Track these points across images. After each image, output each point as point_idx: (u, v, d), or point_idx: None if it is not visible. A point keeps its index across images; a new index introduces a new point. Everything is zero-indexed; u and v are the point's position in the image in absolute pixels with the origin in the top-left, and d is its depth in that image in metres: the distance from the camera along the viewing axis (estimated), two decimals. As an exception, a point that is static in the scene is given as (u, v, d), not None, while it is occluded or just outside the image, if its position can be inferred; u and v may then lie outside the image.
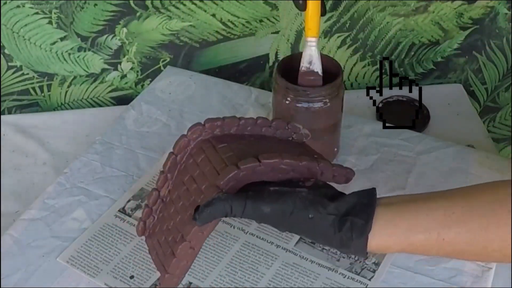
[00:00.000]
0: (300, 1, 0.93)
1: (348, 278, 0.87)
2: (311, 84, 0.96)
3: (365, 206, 0.72)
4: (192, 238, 0.76)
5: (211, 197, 0.73)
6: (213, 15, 1.25)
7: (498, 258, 0.74)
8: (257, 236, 0.93)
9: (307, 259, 0.90)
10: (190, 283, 0.87)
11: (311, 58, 0.96)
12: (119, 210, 0.98)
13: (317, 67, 0.97)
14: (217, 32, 1.28)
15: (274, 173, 0.77)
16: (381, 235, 0.71)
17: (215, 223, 0.76)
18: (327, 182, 0.79)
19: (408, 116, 1.21)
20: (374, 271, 0.87)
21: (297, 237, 0.92)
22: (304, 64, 0.97)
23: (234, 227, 0.94)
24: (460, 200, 0.72)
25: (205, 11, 1.24)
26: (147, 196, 0.85)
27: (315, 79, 0.97)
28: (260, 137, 0.85)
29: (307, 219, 0.72)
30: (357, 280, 0.87)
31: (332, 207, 0.72)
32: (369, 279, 0.87)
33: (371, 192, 0.74)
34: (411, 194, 0.76)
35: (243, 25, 1.27)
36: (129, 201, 0.99)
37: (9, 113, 1.31)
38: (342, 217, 0.71)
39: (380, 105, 1.24)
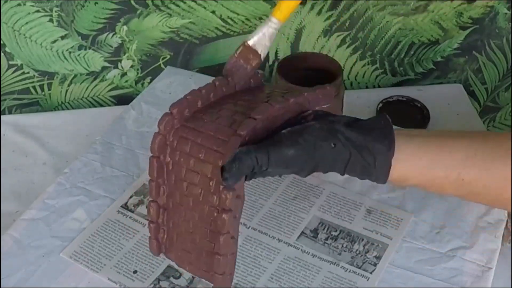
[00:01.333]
0: None
1: (349, 271, 0.87)
2: (245, 61, 0.81)
3: (383, 130, 0.71)
4: (229, 228, 0.71)
5: (232, 153, 0.68)
6: (213, 12, 1.25)
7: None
8: (259, 231, 0.93)
9: (309, 253, 0.90)
10: (193, 277, 0.87)
11: (262, 38, 0.82)
12: (121, 206, 0.98)
13: (260, 49, 0.82)
14: (216, 28, 1.28)
15: (270, 124, 0.74)
16: (403, 166, 0.71)
17: (241, 205, 0.73)
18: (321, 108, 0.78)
19: (408, 116, 1.21)
20: (375, 265, 0.88)
21: (298, 231, 0.93)
22: (251, 38, 0.82)
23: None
24: (484, 144, 0.71)
25: (205, 8, 1.24)
26: (147, 211, 0.79)
27: (252, 58, 0.82)
28: (227, 98, 0.80)
29: (330, 149, 0.70)
30: (358, 273, 0.87)
31: (351, 133, 0.70)
32: (371, 273, 0.87)
33: (385, 117, 0.73)
34: (432, 130, 0.75)
35: (243, 22, 1.27)
36: (131, 197, 1.00)
37: (10, 112, 1.31)
38: (362, 143, 0.70)
39: (380, 105, 1.24)
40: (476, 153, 0.70)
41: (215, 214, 0.72)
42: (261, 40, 0.81)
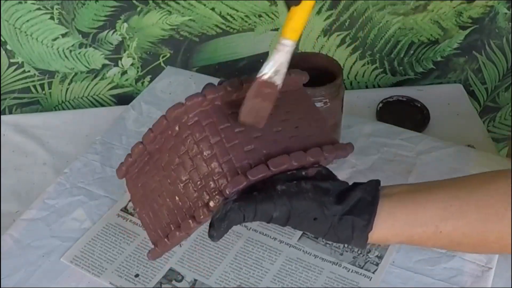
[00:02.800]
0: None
1: (351, 271, 0.87)
2: (263, 100, 0.73)
3: (368, 204, 0.72)
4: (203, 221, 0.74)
5: (223, 209, 0.70)
6: (213, 9, 1.25)
7: (496, 250, 0.74)
8: (260, 232, 0.93)
9: (311, 253, 0.90)
10: (196, 280, 0.87)
11: (280, 67, 0.73)
12: (121, 209, 0.98)
13: (280, 79, 0.73)
14: (216, 26, 1.28)
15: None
16: (381, 228, 0.72)
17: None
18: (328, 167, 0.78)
19: (408, 116, 1.21)
20: (377, 264, 0.88)
21: (300, 232, 0.93)
22: (267, 71, 0.72)
23: (236, 224, 0.94)
24: (459, 192, 0.72)
25: (205, 5, 1.25)
26: (131, 149, 0.82)
27: (271, 93, 0.73)
28: None
29: (311, 220, 0.72)
30: (360, 273, 0.87)
31: (336, 208, 0.72)
32: (373, 272, 0.87)
33: (375, 187, 0.74)
34: (412, 184, 0.76)
35: (242, 19, 1.27)
36: (130, 200, 0.99)
37: (10, 111, 1.31)
38: (344, 216, 0.72)
39: (380, 105, 1.24)
40: (452, 203, 0.71)
41: (200, 204, 0.74)
42: (279, 69, 0.73)
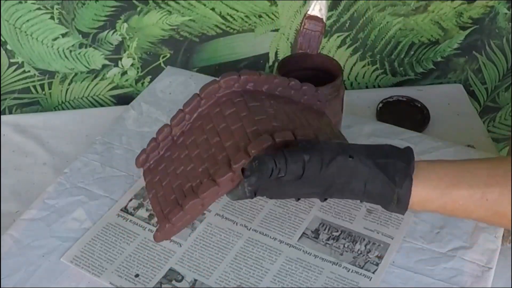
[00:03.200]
0: None
1: (351, 271, 0.87)
2: (313, 29, 0.91)
3: (402, 151, 0.71)
4: (206, 196, 0.75)
5: (253, 160, 0.71)
6: (213, 9, 1.25)
7: None
8: (260, 232, 0.93)
9: (311, 253, 0.90)
10: (196, 280, 0.87)
11: (321, 5, 0.90)
12: (121, 209, 0.98)
13: (323, 15, 0.91)
14: (216, 26, 1.28)
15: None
16: (424, 186, 0.70)
17: (227, 189, 0.76)
18: None
19: (408, 116, 1.21)
20: (377, 264, 0.88)
21: (300, 232, 0.93)
22: (312, 8, 0.90)
23: (237, 224, 0.94)
24: (502, 163, 0.71)
25: (205, 5, 1.25)
26: (158, 130, 0.84)
27: (319, 25, 0.91)
28: (289, 101, 0.84)
29: (347, 162, 0.70)
30: (360, 273, 0.87)
31: (369, 151, 0.70)
32: (373, 272, 0.87)
33: (399, 148, 0.73)
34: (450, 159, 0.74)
35: (242, 19, 1.27)
36: (131, 200, 0.99)
37: (10, 111, 1.31)
38: (381, 160, 0.70)
39: (380, 105, 1.24)
40: (497, 172, 0.70)
41: (204, 180, 0.76)
42: (321, 8, 0.88)
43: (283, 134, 0.75)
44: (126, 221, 0.96)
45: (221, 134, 0.78)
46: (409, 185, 0.70)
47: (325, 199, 0.76)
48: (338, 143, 0.73)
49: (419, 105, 1.25)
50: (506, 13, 1.29)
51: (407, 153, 0.71)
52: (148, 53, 1.30)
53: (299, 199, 0.79)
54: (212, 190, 0.75)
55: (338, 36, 1.30)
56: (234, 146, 0.76)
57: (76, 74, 1.30)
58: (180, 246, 0.92)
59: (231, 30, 1.29)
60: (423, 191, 0.70)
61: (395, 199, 0.71)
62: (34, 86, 1.30)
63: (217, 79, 0.81)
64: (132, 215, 0.97)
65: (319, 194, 0.74)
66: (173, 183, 0.79)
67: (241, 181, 0.74)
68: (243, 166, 0.73)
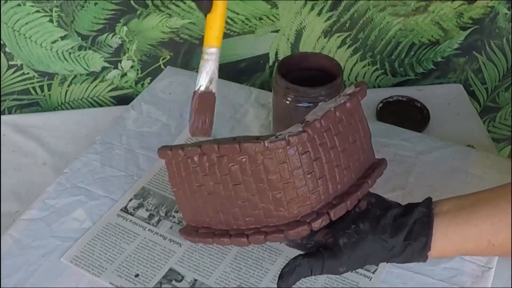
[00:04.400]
0: (204, 0, 0.77)
1: (351, 271, 0.87)
2: (206, 107, 0.79)
3: (423, 227, 0.74)
4: (269, 239, 0.76)
5: (292, 263, 0.74)
6: (213, 12, 1.25)
7: None
8: (260, 232, 0.93)
9: None
10: (196, 280, 0.87)
11: (212, 75, 0.78)
12: (121, 209, 0.98)
13: (214, 87, 0.79)
14: (217, 28, 1.28)
15: None
16: (436, 247, 0.74)
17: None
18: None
19: (408, 116, 1.21)
20: (377, 264, 0.87)
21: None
22: (202, 83, 0.78)
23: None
24: (505, 204, 0.73)
25: (205, 7, 1.24)
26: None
27: (210, 100, 0.79)
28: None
29: (374, 257, 0.76)
30: (360, 273, 0.87)
31: (395, 241, 0.74)
32: (373, 272, 0.87)
33: (429, 207, 0.76)
34: (460, 197, 0.77)
35: (243, 21, 1.27)
36: (131, 200, 0.99)
37: (9, 112, 1.31)
38: (402, 243, 0.74)
39: (380, 105, 1.24)
40: (500, 218, 0.72)
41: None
42: (212, 77, 0.77)
43: (339, 210, 0.75)
44: (126, 221, 0.96)
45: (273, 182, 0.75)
46: (424, 259, 0.75)
47: None
48: (373, 239, 0.75)
49: (419, 105, 1.25)
50: (506, 13, 1.29)
51: (427, 229, 0.75)
52: (148, 55, 1.29)
53: None
54: (277, 236, 0.75)
55: (338, 36, 1.30)
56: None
57: (75, 76, 1.30)
58: (180, 246, 0.92)
59: (232, 33, 1.29)
60: (435, 251, 0.75)
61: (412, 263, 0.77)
62: (34, 88, 1.30)
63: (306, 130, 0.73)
64: (132, 215, 0.97)
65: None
66: (204, 197, 0.79)
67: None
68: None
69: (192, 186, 0.81)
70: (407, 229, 0.74)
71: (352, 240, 0.75)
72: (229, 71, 1.33)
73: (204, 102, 0.78)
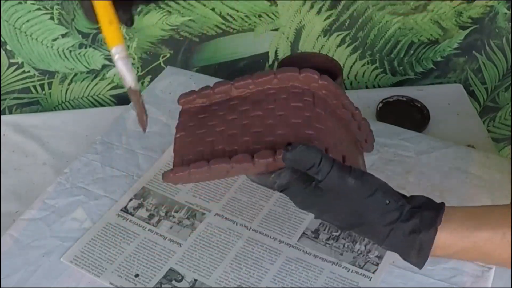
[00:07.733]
0: (88, 13, 0.76)
1: (351, 271, 0.87)
2: (135, 104, 0.79)
3: (434, 203, 0.72)
4: (236, 167, 0.74)
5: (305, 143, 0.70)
6: (212, 9, 1.25)
7: None
8: (260, 232, 0.93)
9: (311, 253, 0.90)
10: (196, 280, 0.87)
11: (126, 73, 0.76)
12: (121, 209, 0.98)
13: (134, 83, 0.77)
14: (216, 26, 1.28)
15: None
16: (447, 230, 0.70)
17: (257, 171, 0.75)
18: None
19: (408, 116, 1.21)
20: (377, 264, 0.88)
21: (300, 232, 0.93)
22: (130, 80, 0.76)
23: (237, 224, 0.94)
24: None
25: (204, 5, 1.25)
26: (218, 82, 0.82)
27: (138, 98, 0.79)
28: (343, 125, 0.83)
29: (382, 205, 0.70)
30: (360, 273, 0.87)
31: (406, 200, 0.71)
32: (373, 272, 0.87)
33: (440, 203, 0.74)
34: (466, 209, 0.75)
35: (242, 19, 1.27)
36: (131, 200, 0.99)
37: (10, 111, 1.31)
38: (412, 208, 0.70)
39: (380, 105, 1.24)
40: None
41: (241, 151, 0.75)
42: (127, 74, 0.76)
43: (335, 152, 0.74)
44: (126, 221, 0.96)
45: (278, 120, 0.76)
46: (432, 235, 0.70)
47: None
48: (383, 183, 0.72)
49: (419, 105, 1.25)
50: (506, 13, 1.29)
51: (439, 205, 0.72)
52: (148, 53, 1.30)
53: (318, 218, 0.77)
54: (245, 165, 0.73)
55: (337, 35, 1.30)
56: (286, 137, 0.74)
57: (76, 74, 1.30)
58: (180, 246, 0.92)
59: (231, 30, 1.29)
60: (445, 236, 0.71)
61: (417, 247, 0.71)
62: (34, 86, 1.30)
63: (297, 70, 0.78)
64: (132, 215, 0.97)
65: (343, 225, 0.73)
66: (206, 136, 0.77)
67: (276, 172, 0.73)
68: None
69: (203, 126, 0.81)
70: (418, 201, 0.71)
71: (361, 173, 0.71)
72: (229, 69, 1.33)
73: (134, 99, 0.79)
